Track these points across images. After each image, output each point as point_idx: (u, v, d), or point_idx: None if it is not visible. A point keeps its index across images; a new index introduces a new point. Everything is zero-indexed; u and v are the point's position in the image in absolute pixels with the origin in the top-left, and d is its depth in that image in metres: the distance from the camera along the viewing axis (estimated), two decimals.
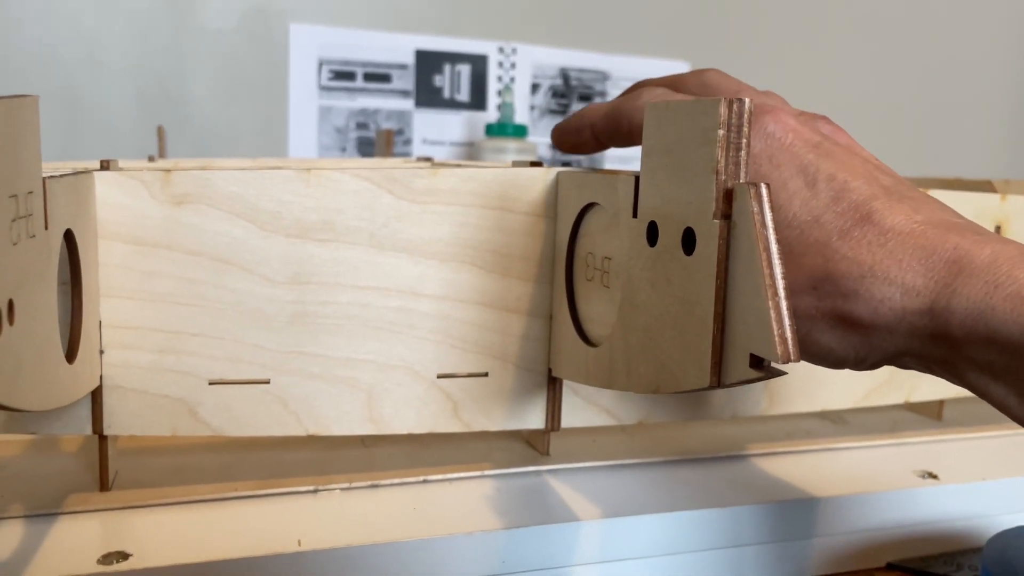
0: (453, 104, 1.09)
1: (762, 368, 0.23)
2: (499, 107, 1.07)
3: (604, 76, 1.15)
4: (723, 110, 0.24)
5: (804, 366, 0.29)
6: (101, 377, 0.33)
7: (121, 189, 0.32)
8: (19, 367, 0.23)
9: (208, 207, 0.33)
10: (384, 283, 0.35)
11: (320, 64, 1.03)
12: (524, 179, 0.35)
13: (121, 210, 0.32)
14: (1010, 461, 0.43)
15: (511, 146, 1.01)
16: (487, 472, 0.38)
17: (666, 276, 0.27)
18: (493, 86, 1.11)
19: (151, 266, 0.33)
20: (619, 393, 0.39)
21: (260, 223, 0.33)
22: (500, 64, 1.10)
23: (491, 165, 0.36)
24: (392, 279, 0.35)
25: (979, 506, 0.40)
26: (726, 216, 0.24)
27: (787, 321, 0.22)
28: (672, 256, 0.26)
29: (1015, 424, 0.26)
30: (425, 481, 0.37)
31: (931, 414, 0.49)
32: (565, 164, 0.38)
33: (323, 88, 1.03)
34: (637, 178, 0.28)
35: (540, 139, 1.12)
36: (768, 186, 0.24)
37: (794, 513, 0.37)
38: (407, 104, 1.07)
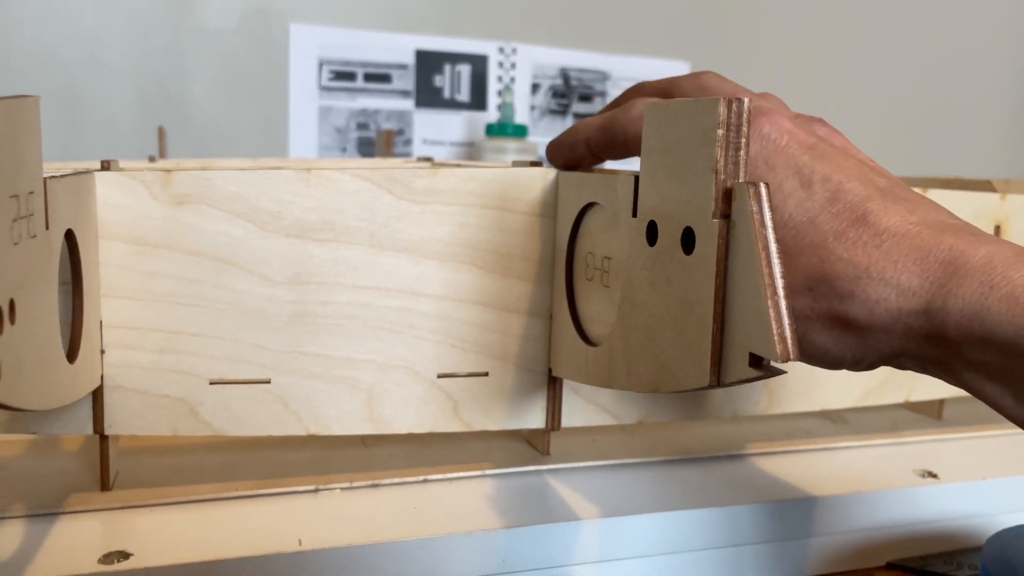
0: (453, 104, 1.09)
1: (761, 367, 0.23)
2: (499, 107, 1.07)
3: (604, 76, 1.15)
4: (722, 110, 0.24)
5: (804, 365, 0.29)
6: (102, 377, 0.33)
7: (122, 189, 0.32)
8: (20, 367, 0.23)
9: (208, 207, 0.33)
10: (384, 283, 0.35)
11: (320, 64, 1.03)
12: (524, 179, 0.35)
13: (122, 210, 0.32)
14: (1010, 460, 0.43)
15: (511, 146, 1.01)
16: (487, 472, 0.38)
17: (666, 276, 0.27)
18: (493, 86, 1.11)
19: (152, 266, 0.33)
20: (619, 392, 0.39)
21: (260, 223, 0.33)
22: (500, 64, 1.10)
23: (491, 165, 0.37)
24: (392, 279, 0.35)
25: (979, 505, 0.40)
26: (725, 216, 0.24)
27: (786, 320, 0.22)
28: (672, 256, 0.26)
29: (1014, 424, 0.26)
30: (425, 481, 0.37)
31: (931, 413, 0.49)
32: None
33: (323, 88, 1.04)
34: (637, 178, 0.29)
35: (540, 139, 1.12)
36: (767, 185, 0.24)
37: (794, 512, 0.37)
38: (407, 104, 1.07)
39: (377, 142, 0.91)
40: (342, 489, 0.36)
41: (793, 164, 0.28)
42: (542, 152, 1.09)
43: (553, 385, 0.38)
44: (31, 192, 0.25)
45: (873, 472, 0.41)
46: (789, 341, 0.22)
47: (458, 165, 0.37)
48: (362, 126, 1.06)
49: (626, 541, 0.35)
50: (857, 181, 0.28)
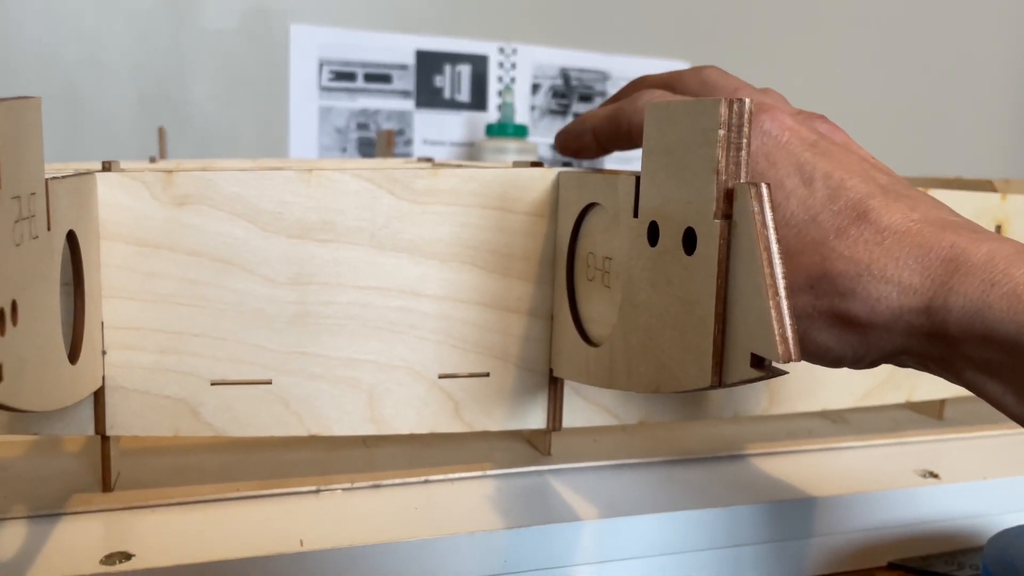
0: (453, 104, 1.09)
1: (763, 368, 0.23)
2: (499, 107, 1.07)
3: (604, 76, 1.15)
4: (723, 110, 0.24)
5: (804, 365, 0.29)
6: (103, 378, 0.33)
7: (123, 190, 0.32)
8: (22, 368, 0.23)
9: (210, 208, 0.33)
10: (385, 283, 0.35)
11: (320, 65, 1.03)
12: (525, 179, 0.35)
13: (123, 211, 0.32)
14: (1011, 460, 0.43)
15: (511, 146, 1.01)
16: (488, 472, 0.38)
17: (667, 276, 0.27)
18: (493, 86, 1.11)
19: (153, 267, 0.33)
20: (620, 393, 0.39)
21: (261, 224, 0.33)
22: (500, 64, 1.10)
23: (492, 165, 0.37)
24: (393, 279, 0.35)
25: (980, 505, 0.40)
26: (727, 216, 0.24)
27: (788, 320, 0.22)
28: (673, 256, 0.26)
29: (1016, 423, 0.26)
30: (427, 481, 0.37)
31: (932, 413, 0.49)
32: (566, 164, 0.38)
33: (324, 89, 1.04)
34: (638, 178, 0.29)
35: (541, 139, 1.12)
36: (768, 186, 0.24)
37: (795, 513, 0.37)
38: (408, 104, 1.07)
39: (377, 142, 0.91)
40: (343, 490, 0.36)
41: (794, 161, 0.28)
42: (543, 152, 1.09)
43: (554, 385, 0.38)
44: (33, 193, 0.25)
45: (874, 472, 0.41)
46: (791, 342, 0.22)
47: (459, 165, 0.37)
48: (362, 126, 1.06)
49: (627, 541, 0.35)
50: (858, 178, 0.28)
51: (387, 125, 1.06)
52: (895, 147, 1.22)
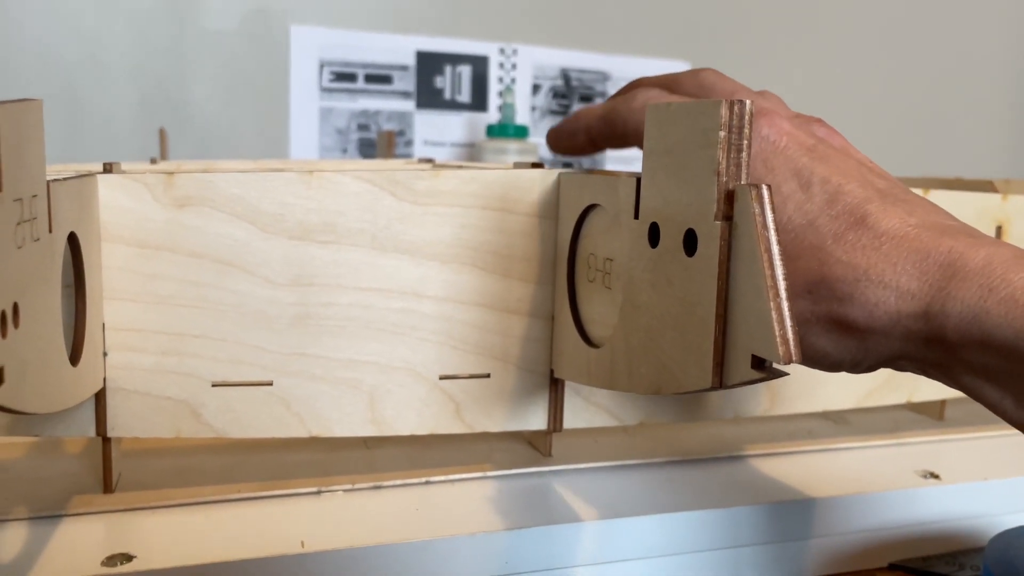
0: (454, 105, 1.09)
1: (764, 369, 0.23)
2: (500, 108, 1.07)
3: (604, 76, 1.15)
4: (724, 111, 0.24)
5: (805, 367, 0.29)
6: (105, 379, 0.33)
7: (124, 192, 0.32)
8: (23, 370, 0.24)
9: (210, 209, 0.33)
10: (386, 285, 0.35)
11: (321, 65, 1.03)
12: (525, 180, 0.35)
13: (124, 213, 0.32)
14: (1012, 461, 0.43)
15: (512, 147, 1.01)
16: (489, 473, 0.38)
17: (667, 277, 0.27)
18: (494, 87, 1.11)
19: (154, 268, 0.33)
20: (620, 394, 0.39)
21: (262, 225, 0.33)
22: (501, 65, 1.10)
23: (492, 166, 0.37)
24: (394, 281, 0.35)
25: (981, 506, 0.40)
26: (727, 217, 0.24)
27: (788, 322, 0.23)
28: (673, 257, 0.26)
29: (1014, 427, 0.26)
30: (427, 482, 0.37)
31: (932, 414, 0.49)
32: (566, 165, 0.38)
33: (324, 89, 1.04)
34: (638, 179, 0.29)
35: (541, 140, 1.12)
36: (769, 187, 0.24)
37: (796, 513, 0.37)
38: (408, 105, 1.07)
39: (378, 143, 0.91)
40: (344, 491, 0.36)
41: (792, 166, 0.28)
42: (543, 153, 1.09)
43: (555, 386, 0.38)
44: (34, 195, 0.25)
45: (874, 473, 0.41)
46: (792, 343, 0.22)
47: (459, 166, 0.37)
48: (363, 127, 1.06)
49: (628, 542, 0.35)
50: (856, 183, 0.28)
51: (388, 126, 1.06)
52: (895, 147, 1.22)
